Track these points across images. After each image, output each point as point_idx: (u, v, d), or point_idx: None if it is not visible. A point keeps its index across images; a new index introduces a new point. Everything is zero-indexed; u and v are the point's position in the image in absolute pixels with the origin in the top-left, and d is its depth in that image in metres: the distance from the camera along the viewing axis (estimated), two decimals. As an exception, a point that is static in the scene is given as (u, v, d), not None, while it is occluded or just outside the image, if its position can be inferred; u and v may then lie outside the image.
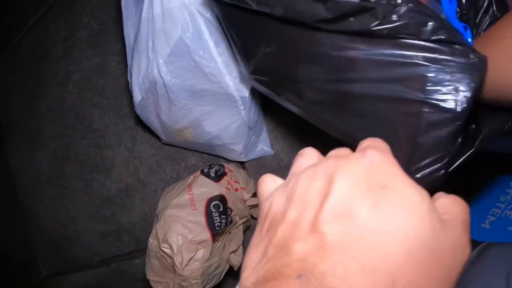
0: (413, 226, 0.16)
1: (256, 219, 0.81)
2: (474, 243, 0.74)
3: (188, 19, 0.62)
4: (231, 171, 0.77)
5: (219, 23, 0.60)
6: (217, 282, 0.73)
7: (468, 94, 0.32)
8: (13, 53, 1.24)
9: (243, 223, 0.76)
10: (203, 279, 0.69)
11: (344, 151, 0.21)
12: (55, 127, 1.11)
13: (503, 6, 0.40)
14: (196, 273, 0.67)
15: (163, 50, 0.65)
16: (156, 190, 0.91)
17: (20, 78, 1.21)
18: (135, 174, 0.93)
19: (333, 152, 0.21)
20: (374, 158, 0.18)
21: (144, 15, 0.66)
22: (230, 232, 0.75)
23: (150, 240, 0.70)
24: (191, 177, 0.77)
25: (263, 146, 0.77)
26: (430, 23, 0.32)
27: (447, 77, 0.32)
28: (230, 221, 0.71)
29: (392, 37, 0.34)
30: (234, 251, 0.73)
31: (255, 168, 0.79)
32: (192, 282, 0.67)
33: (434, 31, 0.32)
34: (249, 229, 0.82)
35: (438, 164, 0.35)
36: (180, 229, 0.67)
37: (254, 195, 0.78)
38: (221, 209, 0.71)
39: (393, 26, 0.33)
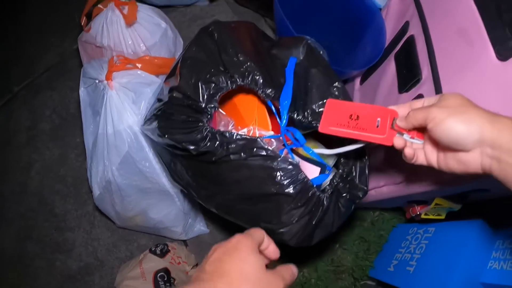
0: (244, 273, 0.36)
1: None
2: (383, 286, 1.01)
3: (132, 137, 0.91)
4: (174, 248, 1.05)
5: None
6: None
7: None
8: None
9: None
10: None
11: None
12: (18, 209, 1.32)
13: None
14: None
15: (115, 160, 0.94)
16: (113, 267, 1.16)
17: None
18: (94, 254, 1.19)
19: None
20: (236, 239, 0.39)
21: (100, 130, 0.95)
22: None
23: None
24: (142, 255, 1.04)
25: (200, 226, 1.06)
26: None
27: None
28: (173, 289, 0.98)
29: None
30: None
31: (195, 245, 1.08)
32: None
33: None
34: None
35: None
36: (135, 295, 0.93)
37: (195, 266, 1.05)
38: (165, 279, 0.98)
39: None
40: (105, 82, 0.86)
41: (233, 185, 0.63)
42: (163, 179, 0.93)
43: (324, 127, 0.54)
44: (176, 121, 0.64)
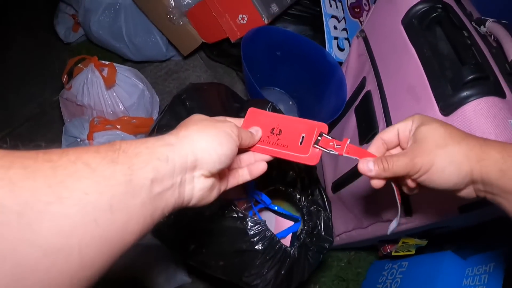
0: None
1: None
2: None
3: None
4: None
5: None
6: None
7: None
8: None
9: None
10: None
11: None
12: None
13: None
14: None
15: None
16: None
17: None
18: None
19: None
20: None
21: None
22: None
23: None
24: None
25: (182, 276, 1.10)
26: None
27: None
28: None
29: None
30: None
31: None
32: None
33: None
34: None
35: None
36: None
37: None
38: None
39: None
40: (87, 141, 0.92)
41: (210, 242, 0.69)
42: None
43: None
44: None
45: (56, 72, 1.56)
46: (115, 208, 0.26)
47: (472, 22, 0.74)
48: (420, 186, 0.44)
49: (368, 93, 0.86)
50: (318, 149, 0.46)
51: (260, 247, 0.64)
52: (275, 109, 0.78)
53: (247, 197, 0.70)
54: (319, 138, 0.46)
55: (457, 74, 0.61)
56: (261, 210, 0.76)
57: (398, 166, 0.40)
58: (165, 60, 1.44)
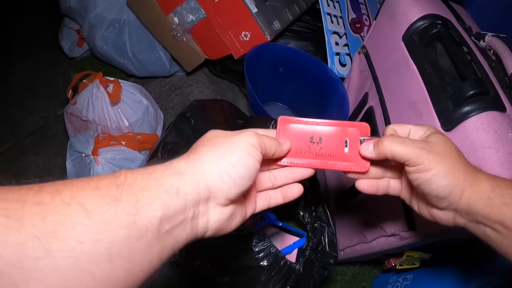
0: None
1: None
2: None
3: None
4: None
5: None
6: None
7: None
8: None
9: None
10: None
11: None
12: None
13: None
14: None
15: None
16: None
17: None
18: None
19: None
20: (243, 131, 0.36)
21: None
22: None
23: None
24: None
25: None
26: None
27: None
28: None
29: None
30: None
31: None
32: None
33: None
34: None
35: None
36: None
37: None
38: None
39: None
40: (91, 157, 0.93)
41: (215, 258, 0.69)
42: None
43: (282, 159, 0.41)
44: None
45: (60, 86, 1.58)
46: (115, 257, 0.23)
47: (472, 37, 0.76)
48: (409, 187, 0.42)
49: (371, 109, 0.87)
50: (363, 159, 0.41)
51: (265, 263, 0.65)
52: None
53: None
54: (362, 141, 0.41)
55: (457, 90, 0.62)
56: (266, 226, 0.77)
57: (399, 148, 0.37)
58: (169, 75, 1.46)
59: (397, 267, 0.98)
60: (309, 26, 1.22)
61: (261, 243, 0.66)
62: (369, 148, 0.40)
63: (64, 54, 1.58)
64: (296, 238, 0.73)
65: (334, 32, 1.14)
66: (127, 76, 1.47)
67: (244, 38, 1.08)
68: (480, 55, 0.70)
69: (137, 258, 0.25)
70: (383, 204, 0.77)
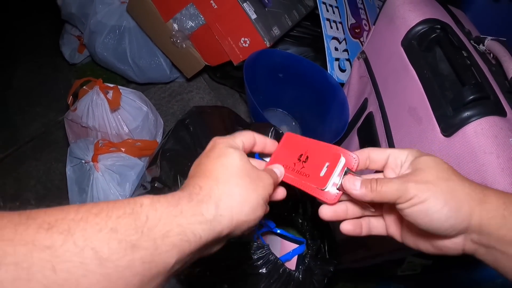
0: None
1: None
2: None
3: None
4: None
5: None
6: None
7: None
8: (-41, 206, 1.49)
9: None
10: None
11: None
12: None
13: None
14: None
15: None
16: None
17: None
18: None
19: None
20: (212, 140, 0.37)
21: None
22: None
23: None
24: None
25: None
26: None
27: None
28: None
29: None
30: None
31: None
32: None
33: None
34: None
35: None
36: None
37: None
38: None
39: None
40: (91, 163, 0.92)
41: (214, 266, 0.69)
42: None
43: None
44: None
45: (61, 92, 1.58)
46: None
47: (471, 41, 0.75)
48: (404, 225, 0.38)
49: (370, 115, 0.87)
50: (337, 190, 0.37)
51: (264, 271, 0.64)
52: (277, 133, 0.79)
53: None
54: (345, 173, 0.37)
55: (457, 95, 0.62)
56: (266, 233, 0.76)
57: (388, 187, 0.33)
58: (169, 82, 1.46)
59: (399, 273, 0.98)
60: (308, 32, 1.22)
61: (259, 251, 0.65)
62: (355, 183, 0.35)
63: (65, 60, 1.59)
64: (295, 245, 0.72)
65: (334, 38, 1.14)
66: (128, 82, 1.47)
67: (244, 44, 1.08)
68: (480, 59, 0.69)
69: None
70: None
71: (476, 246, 0.33)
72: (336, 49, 1.13)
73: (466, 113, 0.59)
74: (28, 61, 1.68)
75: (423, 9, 0.75)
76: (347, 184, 0.36)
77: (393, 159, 0.37)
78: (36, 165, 1.49)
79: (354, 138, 0.91)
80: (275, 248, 0.71)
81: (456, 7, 0.86)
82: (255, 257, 0.65)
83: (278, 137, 0.79)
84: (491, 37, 0.74)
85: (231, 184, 0.31)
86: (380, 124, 0.81)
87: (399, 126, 0.75)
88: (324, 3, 1.13)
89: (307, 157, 0.40)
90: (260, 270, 0.64)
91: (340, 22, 1.18)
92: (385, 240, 0.73)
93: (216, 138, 0.36)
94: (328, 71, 1.09)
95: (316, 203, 0.76)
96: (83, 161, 0.96)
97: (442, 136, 0.62)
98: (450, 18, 0.78)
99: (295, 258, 0.72)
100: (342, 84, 1.08)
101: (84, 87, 1.14)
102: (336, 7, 1.18)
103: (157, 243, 0.24)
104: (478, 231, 0.32)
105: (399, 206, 0.33)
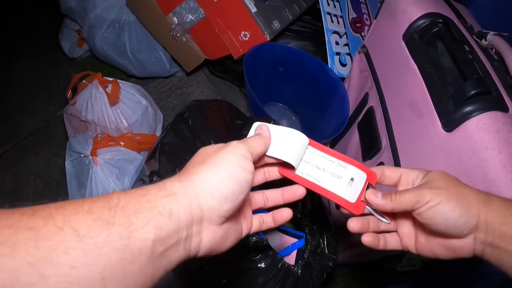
0: None
1: None
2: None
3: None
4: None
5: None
6: None
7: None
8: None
9: None
10: None
11: None
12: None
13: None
14: None
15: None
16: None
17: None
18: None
19: None
20: (229, 144, 0.34)
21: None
22: None
23: None
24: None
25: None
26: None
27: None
28: None
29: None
30: None
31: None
32: None
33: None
34: None
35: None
36: None
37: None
38: None
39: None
40: (90, 157, 0.92)
41: (212, 260, 0.68)
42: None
43: (285, 169, 0.42)
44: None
45: (61, 87, 1.57)
46: (109, 280, 0.23)
47: (473, 36, 0.75)
48: (421, 229, 0.42)
49: (371, 109, 0.86)
50: (366, 204, 0.42)
51: (263, 265, 0.64)
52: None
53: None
54: (367, 187, 0.42)
55: (459, 90, 0.61)
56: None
57: (406, 196, 0.38)
58: (169, 76, 1.45)
59: (398, 269, 0.97)
60: (309, 26, 1.20)
61: (258, 245, 0.65)
62: (377, 195, 0.41)
63: (64, 55, 1.58)
64: (294, 240, 0.72)
65: (335, 32, 1.13)
66: (127, 76, 1.46)
67: (244, 38, 1.07)
68: (482, 54, 0.69)
69: (131, 281, 0.25)
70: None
71: (483, 246, 0.37)
72: (337, 43, 1.12)
73: (468, 108, 0.58)
74: (28, 57, 1.67)
75: (425, 3, 0.74)
76: (370, 196, 0.41)
77: (405, 177, 0.42)
78: (36, 160, 1.49)
79: (354, 133, 0.91)
80: (274, 243, 0.70)
81: (458, 1, 0.85)
82: (254, 251, 0.65)
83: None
84: (494, 32, 0.73)
85: (199, 163, 0.32)
86: (380, 119, 0.81)
87: (399, 121, 0.75)
88: (325, -3, 1.12)
89: (324, 168, 0.43)
90: (259, 265, 0.64)
91: (341, 16, 1.17)
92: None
93: (234, 142, 0.35)
94: (329, 65, 1.08)
95: (315, 198, 0.76)
96: (82, 155, 0.95)
97: (443, 131, 0.62)
98: (452, 12, 0.77)
99: (294, 253, 0.71)
100: (343, 79, 1.07)
101: (83, 81, 1.13)
102: (337, 1, 1.17)
103: (131, 219, 0.25)
104: (484, 229, 0.36)
105: (418, 211, 0.38)
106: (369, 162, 0.82)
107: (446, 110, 0.62)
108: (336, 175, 0.42)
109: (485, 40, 0.73)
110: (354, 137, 0.90)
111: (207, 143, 0.69)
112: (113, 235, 0.24)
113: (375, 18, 0.89)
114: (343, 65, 1.13)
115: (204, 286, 0.74)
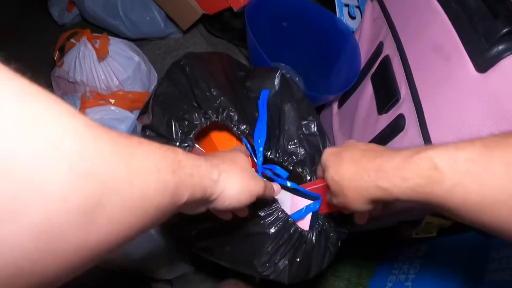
0: None
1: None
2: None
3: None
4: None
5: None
6: None
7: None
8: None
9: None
10: None
11: None
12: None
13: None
14: None
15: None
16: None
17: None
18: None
19: None
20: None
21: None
22: None
23: None
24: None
25: (185, 264, 1.02)
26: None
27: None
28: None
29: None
30: None
31: (180, 283, 1.03)
32: None
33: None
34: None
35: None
36: None
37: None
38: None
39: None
40: (78, 119, 0.83)
41: (214, 225, 0.61)
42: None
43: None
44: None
45: (51, 55, 1.48)
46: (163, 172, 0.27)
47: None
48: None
49: (386, 58, 0.78)
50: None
51: (272, 230, 0.56)
52: (284, 77, 0.70)
53: (257, 172, 0.61)
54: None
55: (490, 28, 0.55)
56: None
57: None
58: (164, 37, 1.36)
59: (414, 235, 0.91)
60: (315, -25, 1.10)
61: (267, 207, 0.57)
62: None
63: (54, 22, 1.48)
64: (307, 202, 0.63)
65: (343, -18, 1.03)
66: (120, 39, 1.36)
67: (244, -13, 0.97)
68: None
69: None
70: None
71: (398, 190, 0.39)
72: (345, -7, 1.02)
73: (502, 46, 0.52)
74: (16, 25, 1.58)
75: None
76: None
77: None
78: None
79: (367, 85, 0.82)
80: (285, 205, 0.62)
81: None
82: (262, 214, 0.57)
83: (284, 82, 0.70)
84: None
85: (234, 168, 0.39)
86: (398, 67, 0.73)
87: (422, 67, 0.68)
88: None
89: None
90: (267, 230, 0.56)
91: (350, -35, 1.07)
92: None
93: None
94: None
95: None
96: (70, 118, 0.87)
97: (476, 72, 0.55)
98: None
99: (307, 218, 0.63)
100: (352, 32, 0.98)
101: (71, 39, 1.04)
102: None
103: (185, 178, 0.30)
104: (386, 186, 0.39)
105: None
106: (385, 115, 0.74)
107: (478, 50, 0.55)
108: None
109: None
110: (367, 91, 0.82)
111: (206, 91, 0.61)
112: (171, 182, 0.28)
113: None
114: (352, 17, 1.03)
115: (205, 256, 0.67)
